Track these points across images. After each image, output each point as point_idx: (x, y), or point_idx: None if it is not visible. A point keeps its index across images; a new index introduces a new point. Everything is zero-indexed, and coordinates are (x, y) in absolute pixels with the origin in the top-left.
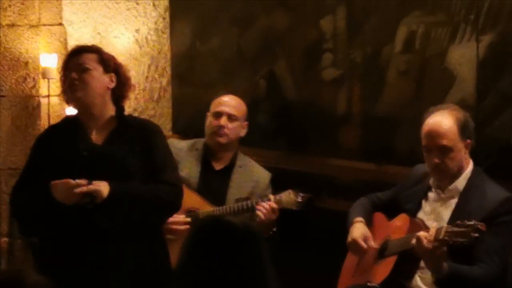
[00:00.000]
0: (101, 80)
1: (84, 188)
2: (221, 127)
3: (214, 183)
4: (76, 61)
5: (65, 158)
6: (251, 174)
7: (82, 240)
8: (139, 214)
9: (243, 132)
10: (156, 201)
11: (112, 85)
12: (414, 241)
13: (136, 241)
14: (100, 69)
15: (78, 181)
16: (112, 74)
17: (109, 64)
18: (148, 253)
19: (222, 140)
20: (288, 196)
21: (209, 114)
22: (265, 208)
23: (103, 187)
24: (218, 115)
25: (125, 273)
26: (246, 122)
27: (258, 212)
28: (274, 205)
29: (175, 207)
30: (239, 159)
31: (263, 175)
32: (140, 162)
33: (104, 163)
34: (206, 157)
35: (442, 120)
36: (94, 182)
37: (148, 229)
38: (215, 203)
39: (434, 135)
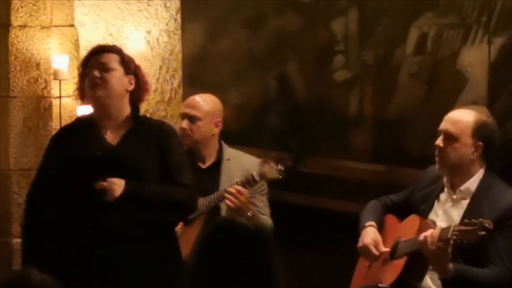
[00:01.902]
0: (121, 82)
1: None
2: (183, 129)
3: (203, 181)
4: (99, 60)
5: (79, 158)
6: (241, 163)
7: (95, 240)
8: (154, 215)
9: (215, 130)
10: (171, 202)
11: (131, 87)
12: (419, 242)
13: (149, 241)
14: (121, 70)
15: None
16: (132, 77)
17: (129, 66)
18: (161, 253)
19: (186, 141)
20: (270, 168)
21: None
22: (228, 192)
23: (118, 186)
24: (182, 117)
25: (137, 273)
26: (218, 119)
27: (226, 201)
28: (238, 187)
29: (190, 209)
30: (226, 153)
31: (253, 162)
32: (155, 163)
33: (118, 163)
34: (190, 158)
35: (463, 112)
36: (109, 179)
37: (161, 230)
38: None
39: (448, 119)
